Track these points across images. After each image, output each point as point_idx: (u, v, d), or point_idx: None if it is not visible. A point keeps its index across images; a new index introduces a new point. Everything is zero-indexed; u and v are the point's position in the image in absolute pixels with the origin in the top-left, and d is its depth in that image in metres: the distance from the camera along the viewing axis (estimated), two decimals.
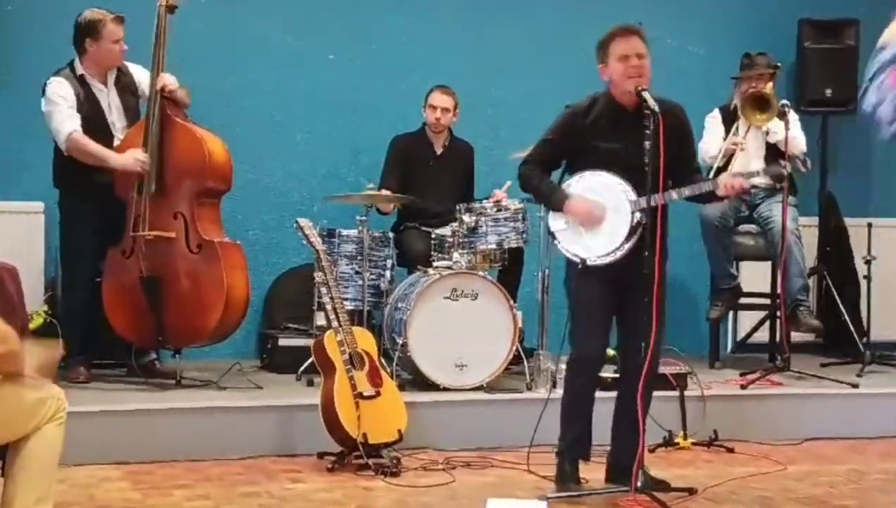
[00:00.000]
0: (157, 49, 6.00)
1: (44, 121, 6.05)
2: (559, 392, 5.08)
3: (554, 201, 4.89)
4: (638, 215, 4.72)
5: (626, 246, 4.74)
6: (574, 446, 4.91)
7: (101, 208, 6.06)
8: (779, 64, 7.08)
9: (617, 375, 5.04)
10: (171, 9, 6.03)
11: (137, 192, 5.94)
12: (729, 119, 7.03)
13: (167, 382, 5.99)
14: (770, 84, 6.89)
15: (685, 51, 7.89)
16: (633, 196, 4.74)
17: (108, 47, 6.05)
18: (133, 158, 5.91)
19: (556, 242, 4.89)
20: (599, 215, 4.77)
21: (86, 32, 6.06)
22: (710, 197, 4.90)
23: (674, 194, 4.75)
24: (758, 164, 6.91)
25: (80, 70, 6.08)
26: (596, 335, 4.86)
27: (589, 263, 4.78)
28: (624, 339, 4.93)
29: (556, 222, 4.89)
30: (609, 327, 4.91)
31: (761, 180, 4.88)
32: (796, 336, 6.85)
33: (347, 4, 7.42)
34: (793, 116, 6.73)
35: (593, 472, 5.00)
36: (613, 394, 5.00)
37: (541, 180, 4.94)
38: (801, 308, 6.75)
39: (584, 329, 4.85)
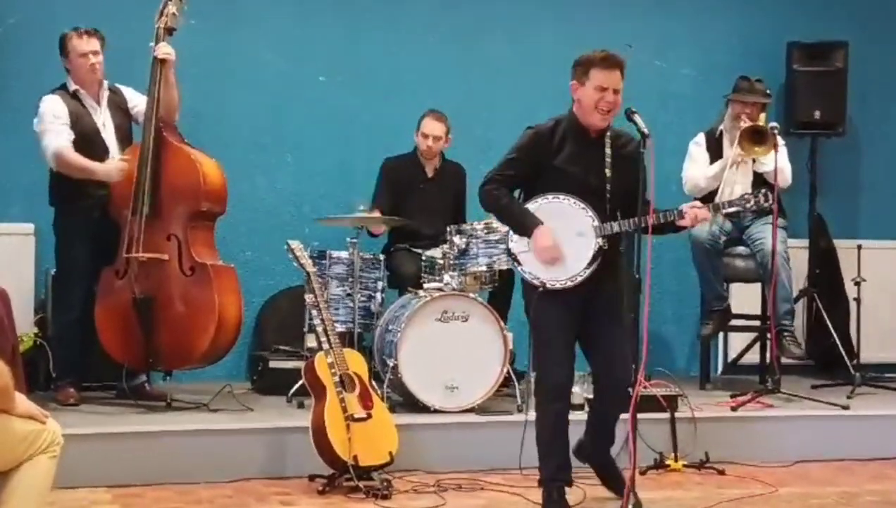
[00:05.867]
0: (155, 72, 5.98)
1: (36, 140, 6.06)
2: None
3: (524, 224, 4.81)
4: (601, 240, 4.73)
5: (588, 271, 4.75)
6: (558, 473, 4.88)
7: (97, 227, 6.06)
8: (770, 94, 7.09)
9: (589, 396, 5.03)
10: (169, 31, 6.03)
11: (132, 213, 5.93)
12: (714, 145, 7.00)
13: (157, 404, 5.98)
14: (763, 115, 6.85)
15: (674, 73, 7.92)
16: (597, 221, 4.75)
17: (77, 62, 6.06)
18: (114, 168, 5.93)
19: (516, 264, 4.86)
20: (557, 258, 4.75)
21: (59, 51, 6.12)
22: (673, 227, 4.89)
23: (662, 218, 4.77)
24: (741, 191, 6.94)
25: (72, 87, 6.11)
26: (561, 360, 4.82)
27: (549, 286, 4.77)
28: (594, 362, 4.92)
29: (518, 243, 4.85)
30: (573, 350, 4.89)
31: (731, 210, 4.96)
32: (785, 358, 6.85)
33: (338, 26, 7.44)
34: (780, 143, 6.68)
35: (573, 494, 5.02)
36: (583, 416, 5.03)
37: (511, 200, 4.90)
38: (785, 334, 6.71)
39: (548, 355, 4.81)
